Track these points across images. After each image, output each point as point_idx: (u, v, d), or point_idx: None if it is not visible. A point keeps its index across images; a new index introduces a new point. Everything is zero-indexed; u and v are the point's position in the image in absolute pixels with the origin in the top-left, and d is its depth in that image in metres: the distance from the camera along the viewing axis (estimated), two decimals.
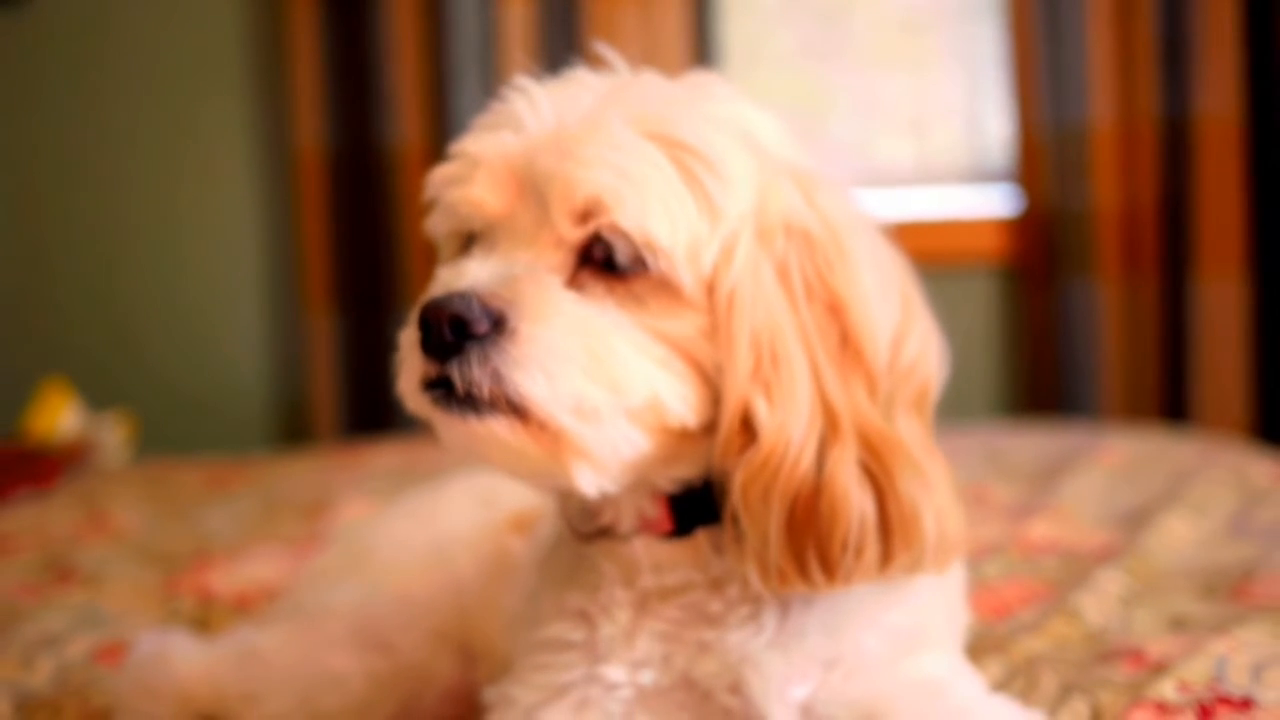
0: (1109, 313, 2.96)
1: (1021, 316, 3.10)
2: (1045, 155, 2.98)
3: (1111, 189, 2.95)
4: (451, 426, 0.92)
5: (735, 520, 0.93)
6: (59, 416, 2.85)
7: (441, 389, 0.90)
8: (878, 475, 0.92)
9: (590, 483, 0.92)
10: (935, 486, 0.93)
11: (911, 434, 0.94)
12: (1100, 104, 2.94)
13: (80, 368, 3.17)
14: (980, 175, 3.18)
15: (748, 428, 0.92)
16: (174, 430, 3.21)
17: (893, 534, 0.92)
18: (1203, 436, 2.58)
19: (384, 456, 2.53)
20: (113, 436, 2.89)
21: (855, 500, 0.91)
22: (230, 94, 3.25)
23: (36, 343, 3.30)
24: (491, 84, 3.03)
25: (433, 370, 0.90)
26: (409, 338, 0.93)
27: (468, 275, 0.91)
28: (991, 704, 1.00)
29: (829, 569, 0.91)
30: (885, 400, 0.94)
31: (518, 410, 0.89)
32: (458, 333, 0.88)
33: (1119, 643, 1.30)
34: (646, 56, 2.97)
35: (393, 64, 3.05)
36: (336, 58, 3.08)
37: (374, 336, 3.10)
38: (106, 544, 2.02)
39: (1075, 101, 2.94)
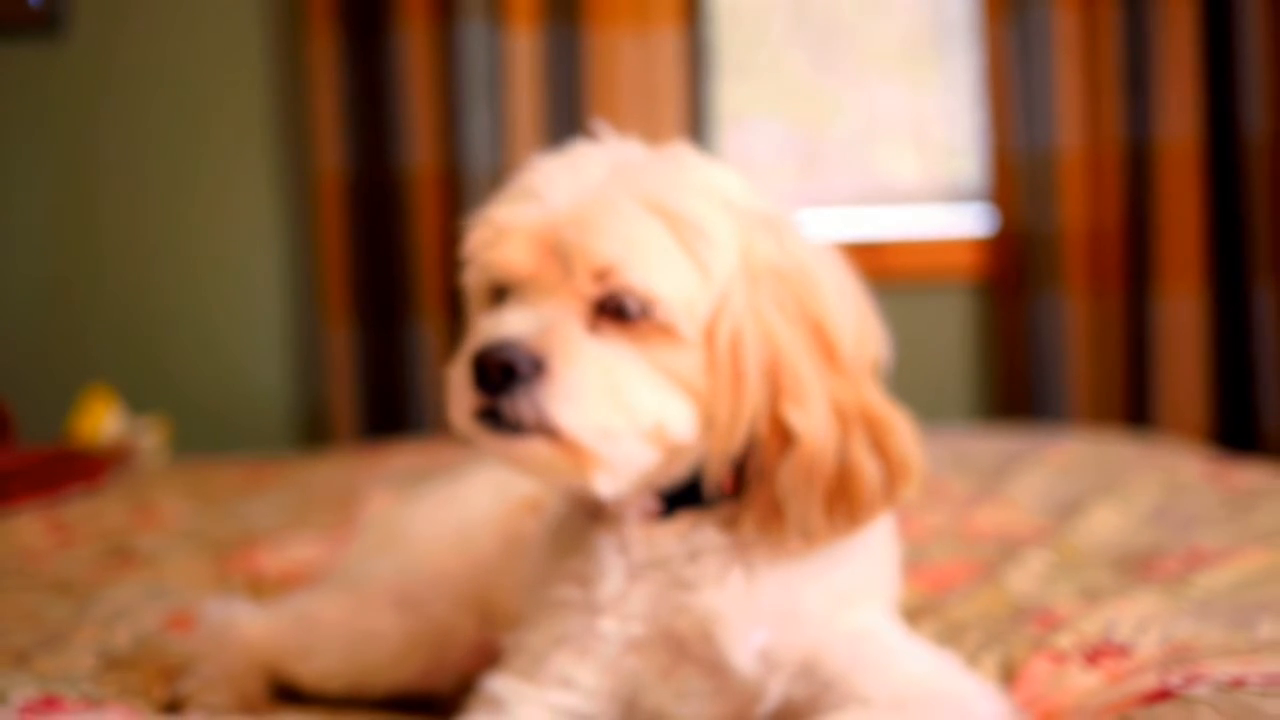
0: (1077, 325, 3.15)
1: (995, 329, 3.30)
2: (1018, 177, 3.16)
3: (1079, 209, 3.13)
4: (498, 447, 1.14)
5: (772, 501, 1.15)
6: (102, 421, 3.05)
7: (489, 417, 1.12)
8: (877, 443, 1.16)
9: (609, 488, 1.15)
10: (906, 431, 1.18)
11: (876, 396, 1.19)
12: (1068, 130, 3.12)
13: (115, 377, 3.35)
14: (958, 196, 3.37)
15: (780, 434, 1.14)
16: (204, 435, 3.40)
17: (895, 480, 1.17)
18: (1149, 438, 2.78)
19: (404, 456, 2.72)
20: (151, 440, 3.09)
21: (870, 471, 1.15)
22: (255, 121, 3.44)
23: (74, 354, 3.48)
24: (499, 110, 3.20)
25: (483, 403, 1.12)
26: (460, 376, 1.13)
27: (508, 325, 1.13)
28: (911, 647, 1.22)
29: (855, 521, 1.16)
30: (855, 378, 1.18)
31: (552, 433, 1.11)
32: (505, 374, 1.10)
33: (1034, 607, 1.53)
34: (645, 77, 3.18)
35: (407, 93, 3.21)
36: (355, 87, 3.24)
37: (390, 346, 3.26)
38: (159, 533, 2.23)
39: (1045, 127, 3.12)
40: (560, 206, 1.15)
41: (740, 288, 1.15)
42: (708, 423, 1.16)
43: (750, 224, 1.18)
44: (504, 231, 1.17)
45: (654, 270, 1.12)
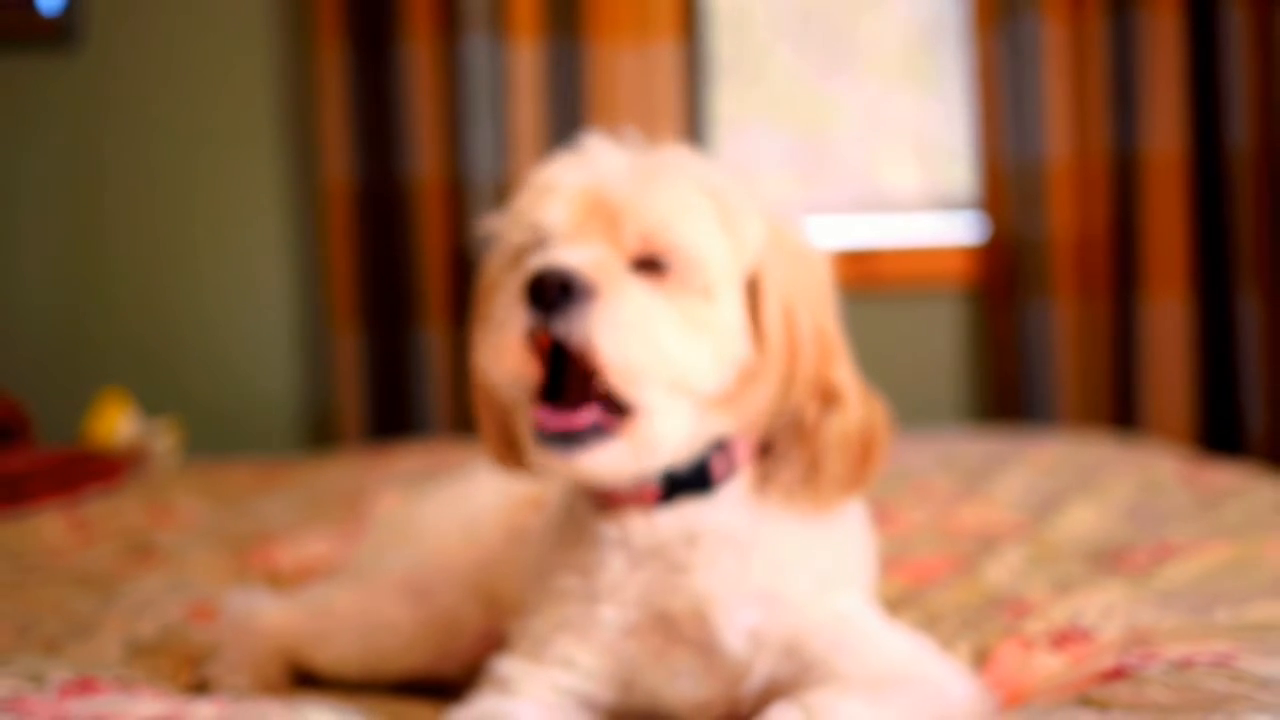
0: (1065, 331, 3.21)
1: (986, 334, 3.37)
2: (1008, 186, 3.23)
3: (1067, 218, 3.20)
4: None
5: (813, 458, 1.27)
6: (116, 423, 3.12)
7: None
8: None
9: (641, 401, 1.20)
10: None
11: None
12: (1057, 140, 3.19)
13: (129, 382, 3.43)
14: (950, 204, 3.45)
15: (824, 395, 1.27)
16: (215, 438, 3.47)
17: (888, 434, 1.31)
18: (1132, 440, 2.86)
19: (410, 457, 2.79)
20: (164, 441, 3.16)
21: (882, 426, 1.29)
22: (264, 132, 3.52)
23: (89, 359, 3.55)
24: (502, 121, 3.26)
25: (535, 321, 1.18)
26: (512, 298, 1.20)
27: (564, 254, 1.21)
28: (889, 631, 1.31)
29: (871, 471, 1.29)
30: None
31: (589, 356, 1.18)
32: (564, 292, 1.17)
33: (1008, 597, 1.62)
34: (645, 87, 3.25)
35: (413, 104, 3.27)
36: (362, 99, 3.31)
37: (396, 350, 3.33)
38: (177, 530, 2.31)
39: (1034, 137, 3.19)
40: (608, 171, 1.25)
41: (778, 263, 1.26)
42: (737, 393, 1.25)
43: (764, 210, 1.29)
44: (551, 190, 1.26)
45: (697, 232, 1.23)
